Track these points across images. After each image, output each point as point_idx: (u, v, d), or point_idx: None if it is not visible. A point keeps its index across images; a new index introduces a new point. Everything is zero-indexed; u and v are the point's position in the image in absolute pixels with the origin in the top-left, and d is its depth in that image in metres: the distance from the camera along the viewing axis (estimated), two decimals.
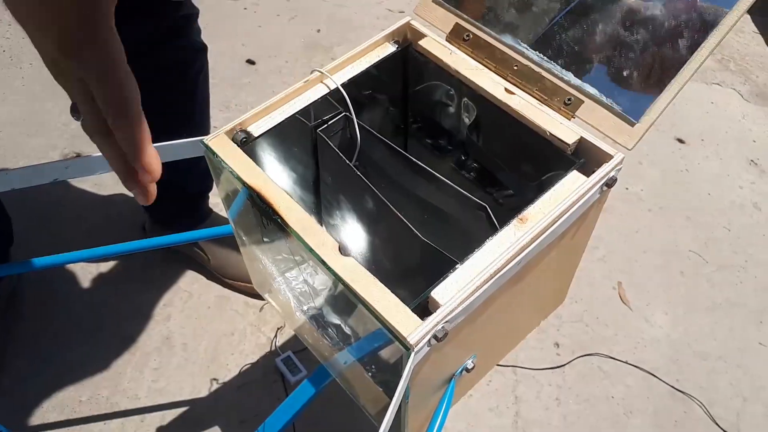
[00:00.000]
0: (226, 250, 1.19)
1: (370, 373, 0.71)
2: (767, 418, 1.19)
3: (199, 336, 1.15)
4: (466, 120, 0.77)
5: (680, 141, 1.76)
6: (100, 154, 0.48)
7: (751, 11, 2.34)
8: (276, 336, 1.16)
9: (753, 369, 1.26)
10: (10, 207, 1.12)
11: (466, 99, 0.72)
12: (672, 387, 1.21)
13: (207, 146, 0.62)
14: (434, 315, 0.50)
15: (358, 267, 0.53)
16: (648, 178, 1.62)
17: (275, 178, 0.75)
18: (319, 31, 1.91)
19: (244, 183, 0.59)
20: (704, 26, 0.56)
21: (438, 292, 0.52)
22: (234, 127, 0.64)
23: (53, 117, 1.50)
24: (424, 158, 0.87)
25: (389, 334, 0.50)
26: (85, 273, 1.23)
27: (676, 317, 1.33)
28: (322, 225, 0.81)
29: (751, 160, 1.73)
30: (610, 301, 1.34)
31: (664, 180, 1.63)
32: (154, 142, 0.58)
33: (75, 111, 0.46)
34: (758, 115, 1.90)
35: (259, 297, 1.18)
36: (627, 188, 1.59)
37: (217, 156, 0.61)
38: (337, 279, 0.53)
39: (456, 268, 0.54)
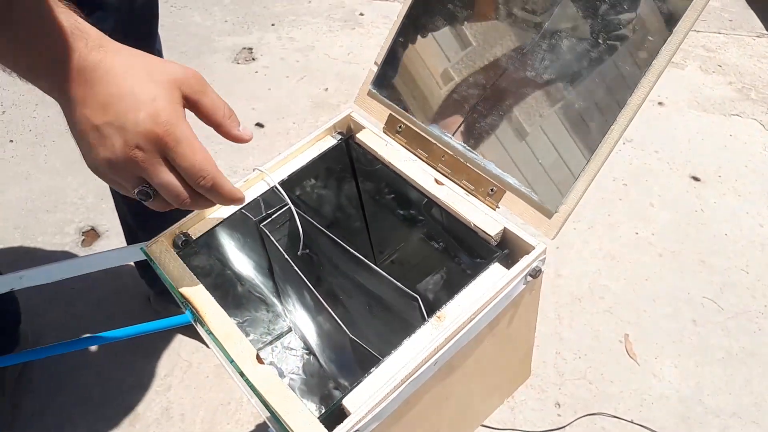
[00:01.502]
0: None
1: None
2: None
3: (197, 406, 1.18)
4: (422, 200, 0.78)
5: (695, 179, 1.71)
6: (52, 264, 0.52)
7: None
8: None
9: None
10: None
11: None
12: None
13: (145, 252, 0.65)
14: (341, 426, 0.51)
15: (274, 377, 0.55)
16: (659, 221, 1.58)
17: (237, 261, 0.78)
18: (326, 89, 1.97)
19: (175, 290, 0.61)
20: (611, 108, 0.56)
21: (349, 400, 0.53)
22: (173, 230, 0.67)
23: (71, 191, 1.59)
24: (393, 228, 0.89)
25: None
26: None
27: (686, 370, 1.27)
28: (282, 307, 0.83)
29: None
30: (616, 356, 1.30)
31: (677, 222, 1.58)
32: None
33: (146, 195, 0.49)
34: None
35: None
36: (637, 233, 1.55)
37: (153, 262, 0.64)
38: (251, 388, 0.54)
39: (371, 372, 0.54)
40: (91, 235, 1.48)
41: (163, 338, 1.28)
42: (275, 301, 0.84)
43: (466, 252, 0.74)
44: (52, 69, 0.44)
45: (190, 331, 1.28)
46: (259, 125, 1.82)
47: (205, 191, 0.50)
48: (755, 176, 1.72)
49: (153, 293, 1.30)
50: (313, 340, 0.77)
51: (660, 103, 1.95)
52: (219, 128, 0.53)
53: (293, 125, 1.82)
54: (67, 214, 1.53)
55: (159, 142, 0.46)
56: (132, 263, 1.26)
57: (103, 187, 1.59)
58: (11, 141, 1.72)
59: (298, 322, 0.78)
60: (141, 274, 1.26)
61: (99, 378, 1.23)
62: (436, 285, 0.88)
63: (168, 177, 0.47)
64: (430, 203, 0.76)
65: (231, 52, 2.10)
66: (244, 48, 2.12)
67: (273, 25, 2.23)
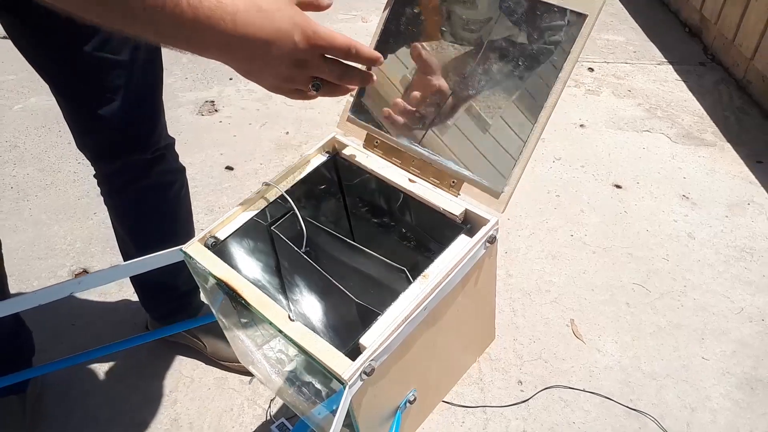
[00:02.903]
0: (218, 338, 1.36)
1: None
2: (714, 424, 1.33)
3: (202, 415, 1.31)
4: (398, 201, 0.97)
5: (617, 186, 1.97)
6: (103, 269, 0.67)
7: (672, 61, 2.62)
8: (270, 406, 1.32)
9: (698, 382, 1.41)
10: (28, 321, 1.30)
11: None
12: (626, 407, 1.35)
13: (185, 252, 0.81)
14: (361, 356, 0.68)
15: (303, 328, 0.71)
16: (590, 224, 1.82)
17: (247, 267, 0.94)
18: (287, 133, 2.16)
19: (214, 277, 0.78)
20: (533, 111, 0.76)
21: (364, 338, 0.70)
22: (205, 235, 0.83)
23: (59, 239, 1.71)
24: (371, 235, 1.07)
25: (328, 374, 0.68)
26: (99, 372, 1.39)
27: (625, 344, 1.49)
28: (287, 300, 0.99)
29: (683, 195, 1.94)
30: (565, 338, 1.50)
31: (605, 223, 1.83)
32: (147, 254, 0.79)
33: (317, 87, 0.68)
34: (686, 154, 2.12)
35: (250, 374, 1.34)
36: (572, 235, 1.78)
37: (193, 259, 0.80)
38: (288, 339, 0.71)
39: (377, 319, 0.72)
40: (83, 275, 1.60)
41: (164, 359, 1.41)
42: (280, 297, 1.00)
43: (435, 239, 0.93)
44: (212, 42, 0.57)
45: (189, 351, 1.41)
46: (229, 168, 1.99)
47: (355, 58, 0.67)
48: (667, 181, 1.99)
49: (150, 318, 1.42)
50: (318, 319, 0.93)
51: (582, 126, 2.23)
52: (316, 7, 0.68)
53: (260, 166, 1.99)
54: (58, 259, 1.64)
55: (315, 47, 0.62)
56: (136, 295, 1.39)
57: (88, 233, 1.72)
58: None
59: (304, 308, 0.95)
60: (142, 302, 1.39)
61: (108, 400, 1.34)
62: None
63: (330, 65, 0.65)
64: (402, 207, 0.95)
65: (194, 106, 2.27)
66: (207, 101, 2.30)
67: (231, 79, 2.42)
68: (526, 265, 1.68)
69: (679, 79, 2.52)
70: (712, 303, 1.59)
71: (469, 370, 1.41)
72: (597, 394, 1.38)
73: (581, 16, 0.69)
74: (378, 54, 0.71)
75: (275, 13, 0.60)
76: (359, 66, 0.72)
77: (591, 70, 2.56)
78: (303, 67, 0.63)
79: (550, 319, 1.54)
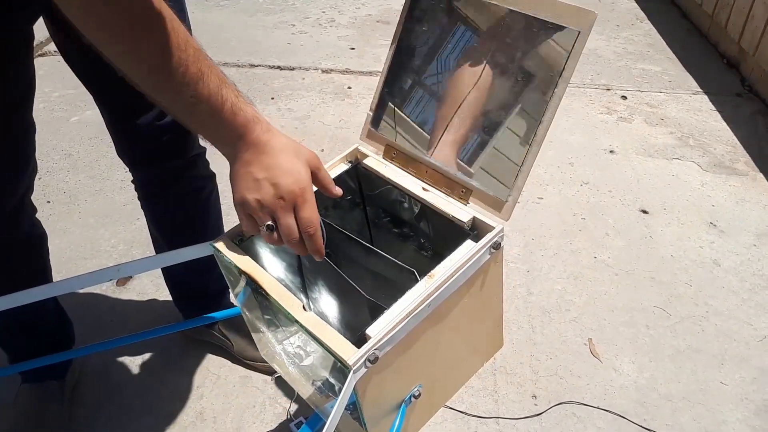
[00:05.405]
0: (245, 338, 1.44)
1: (348, 411, 0.92)
2: None
3: (226, 410, 1.38)
4: (416, 210, 1.03)
5: (644, 212, 1.99)
6: (140, 258, 0.75)
7: (707, 92, 2.63)
8: (290, 406, 1.38)
9: (715, 406, 1.41)
10: (71, 316, 1.39)
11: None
12: (640, 426, 1.36)
13: (214, 247, 0.88)
14: (366, 344, 0.74)
15: (315, 317, 0.78)
16: (614, 247, 1.84)
17: (271, 265, 1.01)
18: (323, 150, 2.25)
19: (238, 269, 0.85)
20: (531, 127, 0.81)
21: (370, 329, 0.76)
22: (233, 233, 0.91)
23: (104, 242, 1.82)
24: (391, 244, 1.13)
25: (335, 359, 0.74)
26: (133, 366, 1.48)
27: (642, 365, 1.50)
28: (307, 298, 1.06)
29: (711, 223, 1.94)
30: (582, 356, 1.52)
31: (630, 247, 1.84)
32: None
33: (271, 229, 0.75)
34: (716, 182, 2.12)
35: (273, 373, 1.41)
36: (595, 257, 1.80)
37: (220, 252, 0.87)
38: (301, 326, 0.77)
39: (384, 312, 0.78)
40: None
41: (193, 356, 1.49)
42: (301, 296, 1.07)
43: (447, 246, 0.98)
44: (238, 142, 0.71)
45: (217, 349, 1.49)
46: None
47: (307, 237, 0.74)
48: (695, 208, 2.00)
49: (183, 318, 1.51)
50: (334, 316, 0.99)
51: (612, 152, 2.25)
52: (324, 190, 0.80)
53: None
54: (102, 259, 1.75)
55: (296, 197, 0.71)
56: (169, 296, 1.48)
57: (131, 237, 1.83)
58: (48, 202, 1.96)
59: (322, 305, 1.01)
60: (176, 303, 1.48)
61: (140, 392, 1.42)
62: None
63: (292, 221, 0.73)
64: (419, 216, 1.01)
65: None
66: None
67: (273, 98, 2.53)
68: (548, 285, 1.71)
69: (714, 109, 2.52)
70: (734, 329, 1.59)
71: (483, 383, 1.45)
72: (611, 412, 1.39)
73: (573, 32, 0.73)
74: (322, 252, 0.78)
75: (293, 153, 0.73)
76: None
77: (624, 98, 2.58)
78: (276, 203, 0.71)
79: (568, 337, 1.56)
